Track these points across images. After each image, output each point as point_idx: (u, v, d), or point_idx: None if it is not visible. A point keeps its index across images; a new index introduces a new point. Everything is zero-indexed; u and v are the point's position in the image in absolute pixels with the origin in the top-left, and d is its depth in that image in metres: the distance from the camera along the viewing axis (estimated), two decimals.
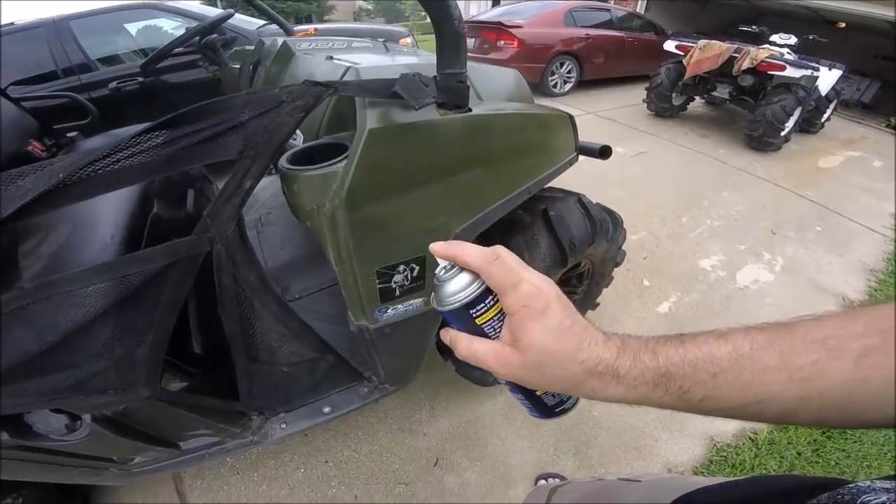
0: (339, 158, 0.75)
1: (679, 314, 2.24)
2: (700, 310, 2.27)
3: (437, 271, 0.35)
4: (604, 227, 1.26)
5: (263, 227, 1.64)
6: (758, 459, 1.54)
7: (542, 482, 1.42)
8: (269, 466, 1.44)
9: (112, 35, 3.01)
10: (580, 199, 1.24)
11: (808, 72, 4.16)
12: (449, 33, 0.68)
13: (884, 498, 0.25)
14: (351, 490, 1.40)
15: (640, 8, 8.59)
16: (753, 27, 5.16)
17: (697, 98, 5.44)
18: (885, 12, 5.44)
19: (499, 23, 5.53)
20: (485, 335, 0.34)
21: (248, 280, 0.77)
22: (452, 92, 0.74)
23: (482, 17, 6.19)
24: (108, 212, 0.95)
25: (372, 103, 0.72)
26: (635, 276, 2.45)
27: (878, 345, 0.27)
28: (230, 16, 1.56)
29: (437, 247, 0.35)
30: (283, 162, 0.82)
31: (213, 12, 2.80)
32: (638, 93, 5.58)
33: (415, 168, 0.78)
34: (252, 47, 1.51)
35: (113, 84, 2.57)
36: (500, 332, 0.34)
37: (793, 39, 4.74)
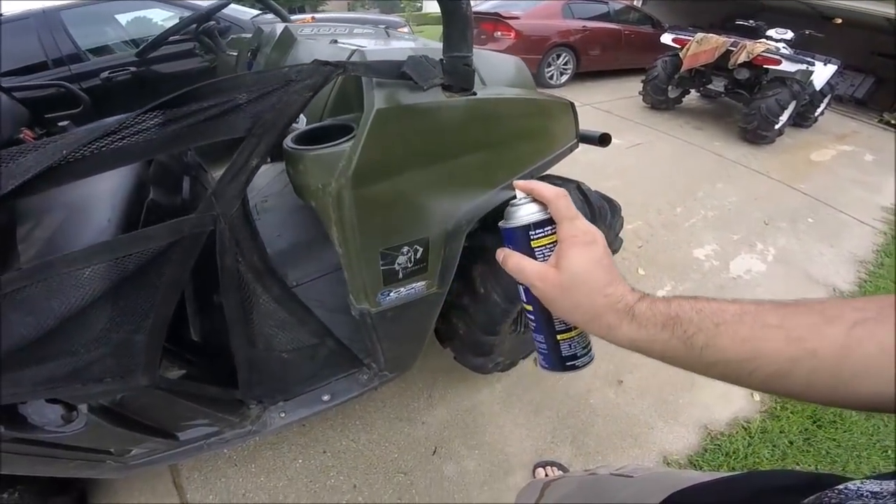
0: (347, 138, 0.75)
1: None
2: None
3: (511, 201, 0.41)
4: (602, 213, 1.27)
5: (260, 216, 1.63)
6: (751, 448, 1.56)
7: (540, 469, 1.44)
8: (266, 457, 1.44)
9: (102, 25, 2.97)
10: (579, 186, 1.25)
11: (804, 66, 4.18)
12: (457, 16, 0.68)
13: None
14: (350, 480, 1.41)
15: (637, 1, 8.57)
16: (750, 21, 5.16)
17: (693, 91, 5.46)
18: (883, 9, 5.47)
19: (496, 14, 5.50)
20: (534, 258, 0.40)
21: (251, 261, 0.77)
22: (459, 75, 0.74)
23: (480, 8, 6.14)
24: (105, 196, 0.94)
25: (379, 84, 0.72)
26: (630, 265, 2.47)
27: (873, 316, 0.28)
28: (227, 4, 1.54)
29: (518, 182, 0.42)
30: (287, 142, 0.81)
31: (208, 1, 2.76)
32: (634, 85, 5.59)
33: (421, 149, 0.78)
34: (249, 35, 1.49)
35: (104, 74, 2.54)
36: (547, 259, 0.40)
37: (789, 34, 4.76)
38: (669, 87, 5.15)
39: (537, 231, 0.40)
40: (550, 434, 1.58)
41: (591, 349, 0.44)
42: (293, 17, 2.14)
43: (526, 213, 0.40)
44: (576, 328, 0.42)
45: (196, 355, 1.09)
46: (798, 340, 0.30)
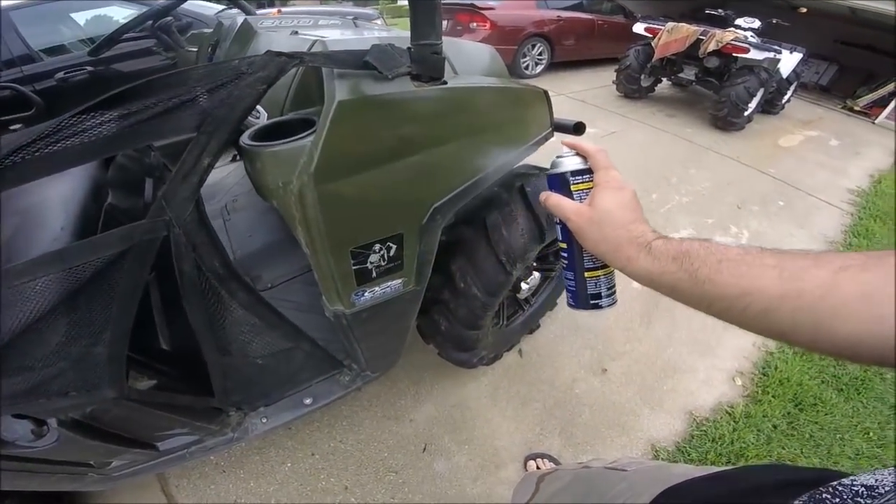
0: (308, 133, 0.71)
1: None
2: None
3: (558, 154, 0.50)
4: None
5: (230, 216, 1.57)
6: (736, 433, 1.59)
7: (531, 462, 1.44)
8: (254, 462, 1.41)
9: (57, 24, 2.82)
10: None
11: (771, 54, 4.30)
12: (424, 1, 0.65)
13: None
14: (341, 481, 1.39)
15: None
16: (719, 11, 5.26)
17: (665, 79, 5.56)
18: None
19: (471, 4, 5.46)
20: (571, 199, 0.48)
21: (211, 267, 0.73)
22: (427, 63, 0.71)
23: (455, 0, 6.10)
24: (57, 202, 0.88)
25: (342, 74, 0.68)
26: None
27: (859, 264, 0.30)
28: (183, 0, 1.47)
29: (565, 140, 0.51)
30: (244, 138, 0.77)
31: None
32: (608, 75, 5.65)
33: (388, 141, 0.75)
34: (210, 30, 1.43)
35: (60, 74, 2.40)
36: (583, 201, 0.47)
37: (756, 23, 4.88)
38: (642, 76, 5.22)
39: (577, 178, 0.48)
40: (539, 426, 1.59)
41: (614, 293, 0.50)
42: (260, 12, 2.07)
43: (570, 163, 0.48)
44: (602, 268, 0.49)
45: (167, 364, 1.05)
46: (788, 279, 0.32)
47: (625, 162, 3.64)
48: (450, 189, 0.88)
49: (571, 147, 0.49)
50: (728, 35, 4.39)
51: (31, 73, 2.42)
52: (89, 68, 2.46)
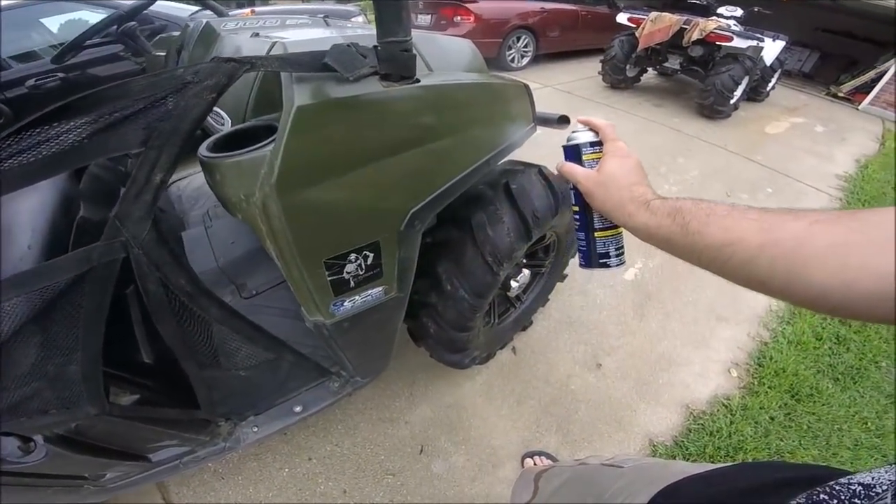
0: (267, 141, 0.67)
1: (646, 279, 2.29)
2: (665, 273, 2.34)
3: (572, 130, 0.56)
4: (566, 197, 1.25)
5: (212, 222, 1.54)
6: (734, 426, 1.59)
7: (529, 460, 1.43)
8: (252, 468, 1.39)
9: (26, 30, 2.73)
10: (541, 171, 1.22)
11: (754, 42, 4.31)
12: None
13: None
14: (339, 485, 1.37)
15: None
16: None
17: (650, 69, 5.56)
18: None
19: None
20: (583, 167, 0.54)
21: (178, 284, 0.70)
22: (396, 62, 0.67)
23: None
24: (23, 219, 0.84)
25: (301, 78, 0.64)
26: None
27: (832, 218, 0.33)
28: (149, 4, 1.42)
29: (580, 118, 0.57)
30: (202, 150, 0.74)
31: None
32: (593, 65, 5.66)
33: (356, 146, 0.71)
34: (178, 33, 1.39)
35: (30, 82, 2.33)
36: (593, 169, 0.53)
37: (739, 11, 4.90)
38: (627, 67, 5.23)
39: (588, 149, 0.54)
40: (535, 424, 1.58)
41: (622, 254, 0.56)
42: (235, 12, 2.03)
43: (583, 136, 0.54)
44: (611, 230, 0.54)
45: (150, 378, 1.03)
46: (767, 231, 0.36)
47: None
48: (428, 192, 0.84)
49: (585, 123, 0.56)
50: (711, 24, 4.40)
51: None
52: (61, 75, 2.39)
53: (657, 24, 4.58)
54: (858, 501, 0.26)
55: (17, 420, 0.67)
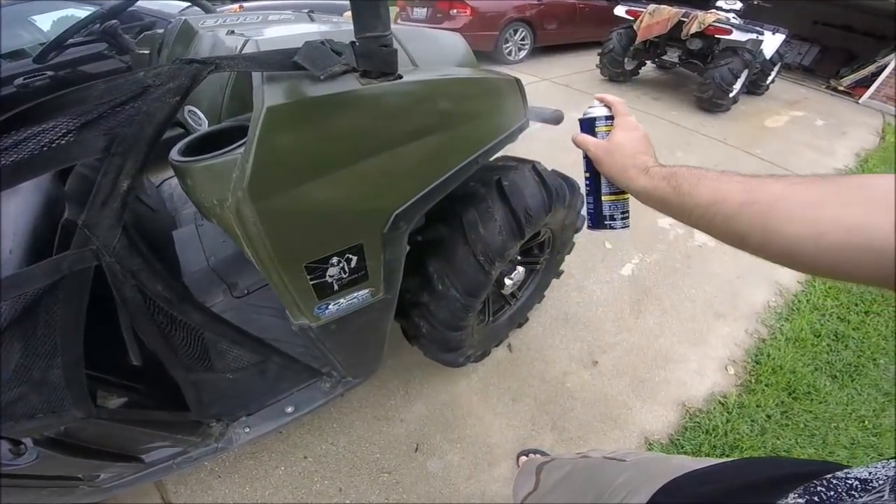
0: (237, 144, 0.65)
1: (642, 275, 2.28)
2: (662, 269, 2.33)
3: (588, 105, 0.61)
4: (560, 193, 1.23)
5: (203, 221, 1.52)
6: (730, 424, 1.58)
7: (524, 458, 1.43)
8: (248, 467, 1.39)
9: (15, 29, 2.69)
10: (534, 167, 1.20)
11: (754, 35, 4.28)
12: None
13: (849, 502, 0.26)
14: (334, 483, 1.37)
15: None
16: None
17: (649, 62, 5.52)
18: None
19: None
20: (595, 138, 0.59)
21: (155, 291, 0.68)
22: (375, 58, 0.65)
23: None
24: (3, 223, 0.83)
25: (273, 77, 0.62)
26: (597, 239, 2.47)
27: (810, 180, 0.36)
28: (132, 3, 1.39)
29: (597, 95, 0.62)
30: (173, 153, 0.72)
31: None
32: (591, 58, 5.61)
33: (333, 147, 0.69)
34: (161, 31, 1.37)
35: (19, 80, 2.30)
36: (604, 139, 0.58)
37: (738, 4, 4.87)
38: (625, 60, 5.19)
39: (601, 122, 0.59)
40: (531, 422, 1.57)
41: (627, 219, 0.61)
42: (223, 8, 2.00)
43: (597, 111, 0.59)
44: (617, 195, 0.59)
45: (139, 381, 1.02)
46: (749, 191, 0.39)
47: None
48: (412, 193, 0.82)
49: (600, 100, 0.61)
50: (710, 17, 4.37)
51: None
52: (50, 73, 2.36)
53: (656, 17, 4.54)
54: (855, 494, 0.26)
55: (3, 424, 0.67)
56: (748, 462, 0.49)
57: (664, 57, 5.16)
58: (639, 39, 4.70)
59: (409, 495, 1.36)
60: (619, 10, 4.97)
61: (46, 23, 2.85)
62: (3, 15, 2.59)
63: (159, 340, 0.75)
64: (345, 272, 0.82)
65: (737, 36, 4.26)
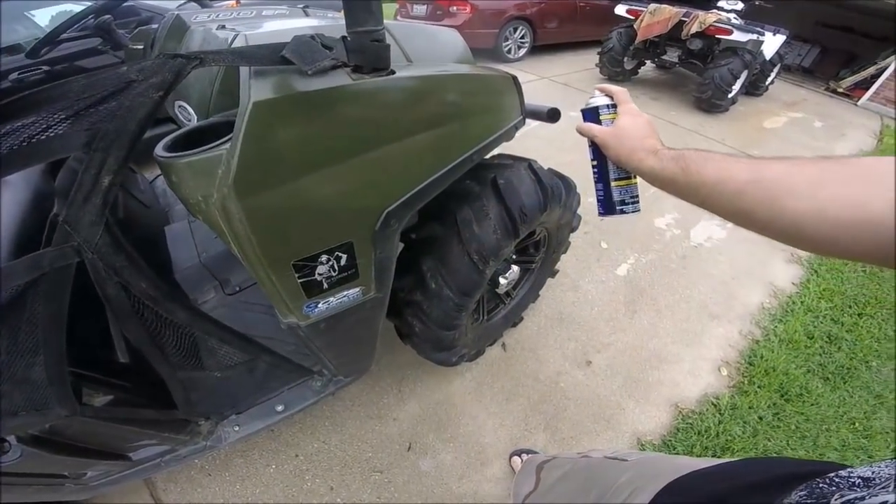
0: (223, 139, 0.64)
1: (638, 275, 2.28)
2: (658, 269, 2.33)
3: (590, 96, 0.63)
4: (556, 193, 1.22)
5: (194, 217, 1.51)
6: (722, 426, 1.58)
7: (517, 458, 1.42)
8: (238, 465, 1.39)
9: (12, 24, 2.68)
10: (530, 166, 1.19)
11: (754, 36, 4.27)
12: None
13: (851, 496, 0.26)
14: (326, 482, 1.37)
15: None
16: None
17: (648, 62, 5.52)
18: None
19: None
20: (600, 125, 0.61)
21: (139, 289, 0.67)
22: (367, 53, 0.64)
23: None
24: None
25: (260, 72, 0.61)
26: (593, 239, 2.47)
27: (813, 160, 0.38)
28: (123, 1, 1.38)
29: (598, 85, 0.63)
30: (158, 149, 0.70)
31: None
32: (591, 57, 5.60)
33: (323, 143, 0.67)
34: (156, 26, 1.36)
35: (14, 75, 2.29)
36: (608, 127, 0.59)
37: (739, 5, 4.86)
38: (625, 59, 5.18)
39: (605, 111, 0.61)
40: (524, 421, 1.57)
41: (637, 202, 0.61)
42: (219, 4, 1.97)
43: (600, 101, 0.61)
44: (626, 179, 0.60)
45: (126, 378, 1.01)
46: (755, 170, 0.41)
47: None
48: (404, 191, 0.81)
49: (601, 90, 0.62)
50: (711, 17, 4.36)
51: None
52: (45, 67, 2.34)
53: (656, 17, 4.53)
54: (857, 490, 0.26)
55: None
56: (753, 461, 0.49)
57: (664, 57, 5.16)
58: (639, 39, 4.69)
59: (401, 495, 1.35)
60: (620, 9, 4.96)
61: (44, 18, 2.83)
62: (1, 9, 2.57)
63: (145, 338, 0.74)
64: (334, 270, 0.81)
65: (737, 36, 4.25)
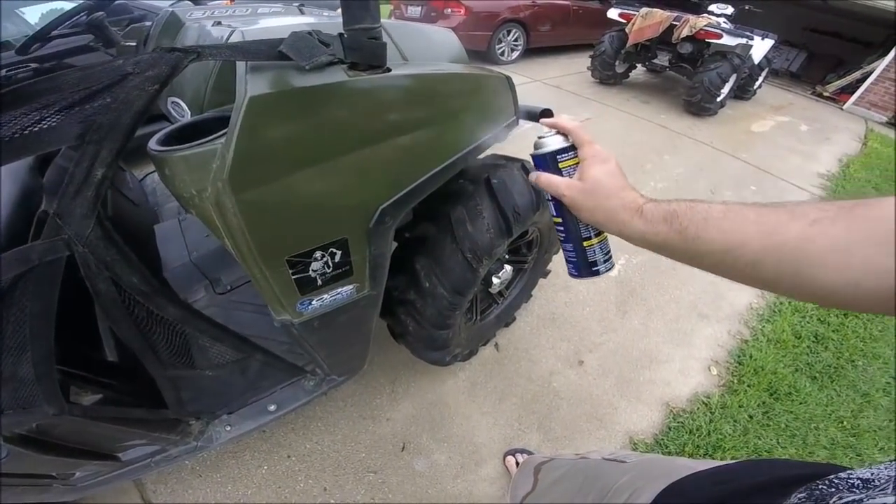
0: (218, 134, 0.63)
1: (629, 276, 2.30)
2: (649, 269, 2.35)
3: (539, 135, 0.52)
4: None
5: (185, 215, 1.49)
6: (713, 425, 1.60)
7: (510, 458, 1.43)
8: (230, 466, 1.37)
9: (2, 21, 2.64)
10: (523, 166, 1.20)
11: (743, 40, 4.35)
12: None
13: (850, 498, 0.26)
14: (319, 483, 1.36)
15: None
16: None
17: (639, 65, 5.58)
18: None
19: None
20: (561, 175, 0.50)
21: (130, 284, 0.67)
22: (363, 50, 0.64)
23: None
24: None
25: (256, 67, 0.61)
26: None
27: (831, 217, 0.32)
28: None
29: (545, 120, 0.53)
30: (151, 143, 0.70)
31: None
32: (583, 61, 5.66)
33: (317, 140, 0.67)
34: (149, 23, 1.35)
35: (2, 72, 2.25)
36: (571, 177, 0.49)
37: (730, 9, 4.94)
38: (617, 62, 5.24)
39: (563, 155, 0.50)
40: (517, 421, 1.57)
41: (611, 258, 0.53)
42: (215, 2, 1.96)
43: (554, 142, 0.50)
44: (597, 236, 0.51)
45: (115, 377, 0.99)
46: (768, 234, 0.35)
47: None
48: (398, 188, 0.81)
49: (551, 126, 0.52)
50: (701, 21, 4.42)
51: None
52: (34, 65, 2.30)
53: (647, 21, 4.59)
54: (857, 491, 0.26)
55: None
56: (753, 463, 0.49)
57: (654, 60, 5.23)
58: (630, 42, 4.75)
59: (395, 495, 1.35)
60: (612, 13, 5.02)
61: (34, 15, 2.80)
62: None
63: (134, 335, 0.73)
64: (328, 267, 0.80)
65: (727, 40, 4.33)
